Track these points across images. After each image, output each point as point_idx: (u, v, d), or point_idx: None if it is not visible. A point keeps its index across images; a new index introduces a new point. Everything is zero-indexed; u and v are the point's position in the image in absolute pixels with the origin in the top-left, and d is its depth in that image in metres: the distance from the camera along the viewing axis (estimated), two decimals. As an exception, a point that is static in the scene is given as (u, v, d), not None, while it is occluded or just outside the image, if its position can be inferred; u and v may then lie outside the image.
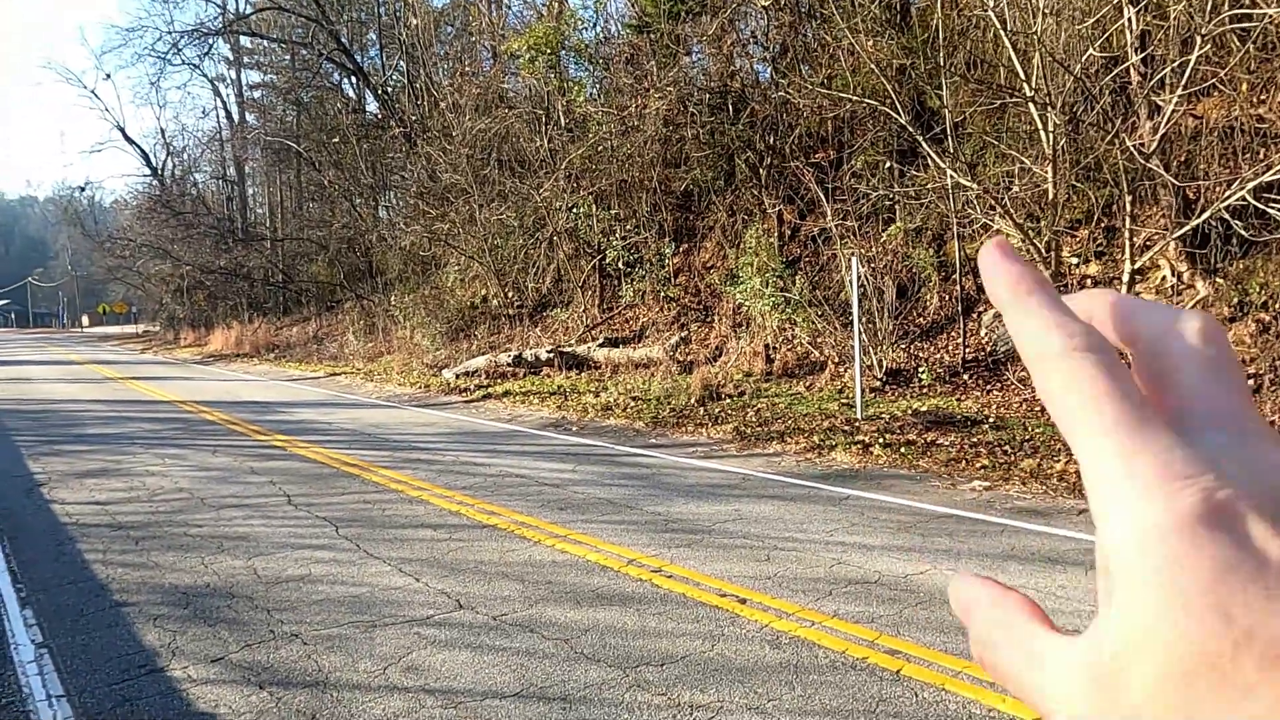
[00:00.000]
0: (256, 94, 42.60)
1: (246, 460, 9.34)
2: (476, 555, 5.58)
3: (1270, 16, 7.86)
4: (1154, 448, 0.24)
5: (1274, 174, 7.58)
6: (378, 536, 6.08)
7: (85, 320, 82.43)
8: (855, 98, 11.69)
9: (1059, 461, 7.51)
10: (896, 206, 13.31)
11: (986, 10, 9.04)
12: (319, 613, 4.62)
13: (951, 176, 10.17)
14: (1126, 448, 0.24)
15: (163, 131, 60.48)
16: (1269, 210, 7.78)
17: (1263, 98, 9.74)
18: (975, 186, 9.70)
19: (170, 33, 32.05)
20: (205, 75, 40.59)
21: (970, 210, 10.78)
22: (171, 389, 18.62)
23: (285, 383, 19.90)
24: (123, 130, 44.33)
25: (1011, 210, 9.43)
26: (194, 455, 9.77)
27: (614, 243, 17.44)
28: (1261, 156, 9.23)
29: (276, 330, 32.11)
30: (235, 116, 42.75)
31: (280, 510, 6.99)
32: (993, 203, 9.56)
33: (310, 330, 30.01)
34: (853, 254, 11.32)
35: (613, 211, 17.69)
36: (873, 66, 10.95)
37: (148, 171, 43.69)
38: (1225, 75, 8.81)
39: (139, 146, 43.35)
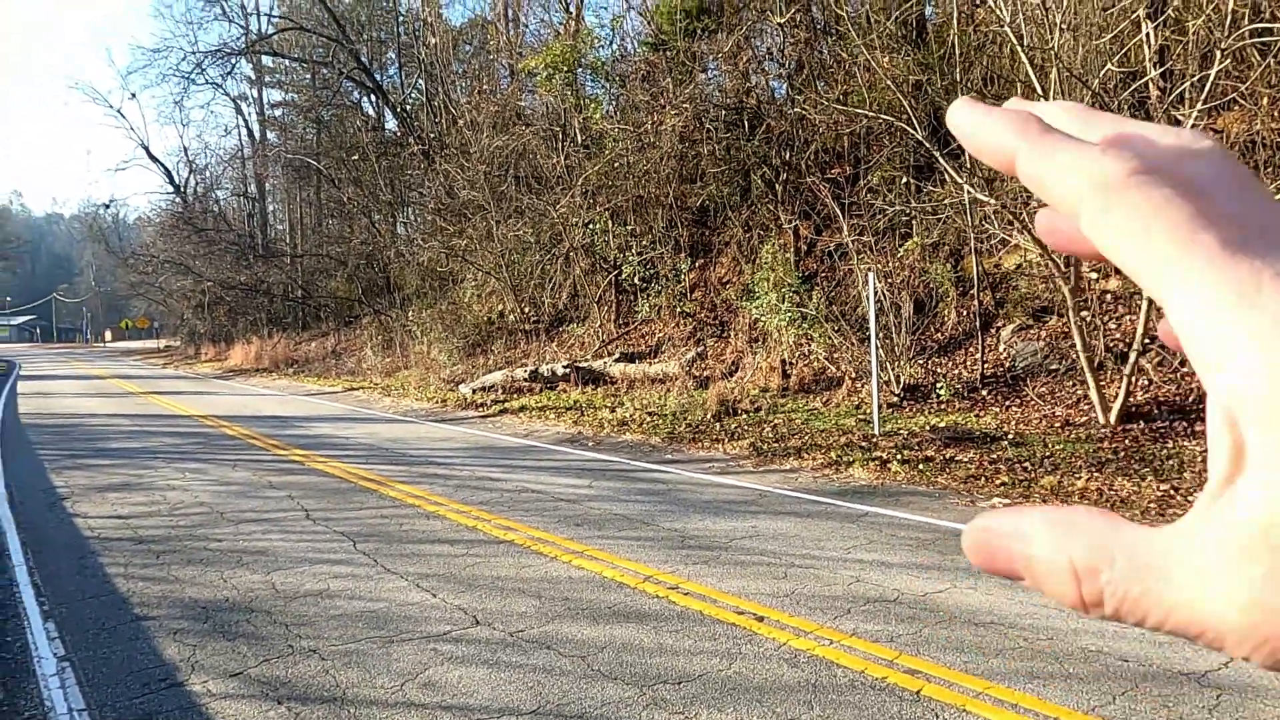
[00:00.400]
0: (278, 112, 43.25)
1: (265, 475, 9.41)
2: (493, 571, 5.59)
3: (1291, 30, 7.82)
4: (1275, 267, 0.20)
5: (1297, 188, 7.51)
6: (395, 552, 6.10)
7: (108, 335, 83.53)
8: (871, 113, 11.71)
9: (1080, 479, 7.43)
10: (913, 222, 13.29)
11: (1003, 26, 9.05)
12: (337, 628, 4.63)
13: (969, 192, 10.15)
14: (1242, 274, 0.20)
15: (185, 149, 61.50)
16: (1292, 225, 7.70)
17: (1284, 111, 9.66)
18: (993, 202, 9.67)
19: (194, 53, 32.73)
20: (228, 94, 41.33)
21: (988, 225, 10.74)
22: (192, 403, 18.81)
23: (303, 398, 20.06)
24: (147, 149, 45.09)
25: (1030, 225, 9.38)
26: (214, 470, 9.86)
27: (630, 258, 17.50)
28: (1284, 170, 9.15)
29: (295, 345, 32.41)
30: (257, 134, 43.43)
31: (299, 525, 7.03)
32: (1010, 218, 9.52)
33: (328, 345, 30.27)
34: (869, 269, 11.29)
35: (629, 227, 17.77)
36: (888, 82, 10.98)
37: (171, 189, 44.44)
38: (1246, 89, 8.76)
39: (162, 164, 44.13)
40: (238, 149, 44.93)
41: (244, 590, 5.33)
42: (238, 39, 35.43)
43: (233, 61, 33.14)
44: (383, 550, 6.14)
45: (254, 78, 41.72)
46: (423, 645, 4.36)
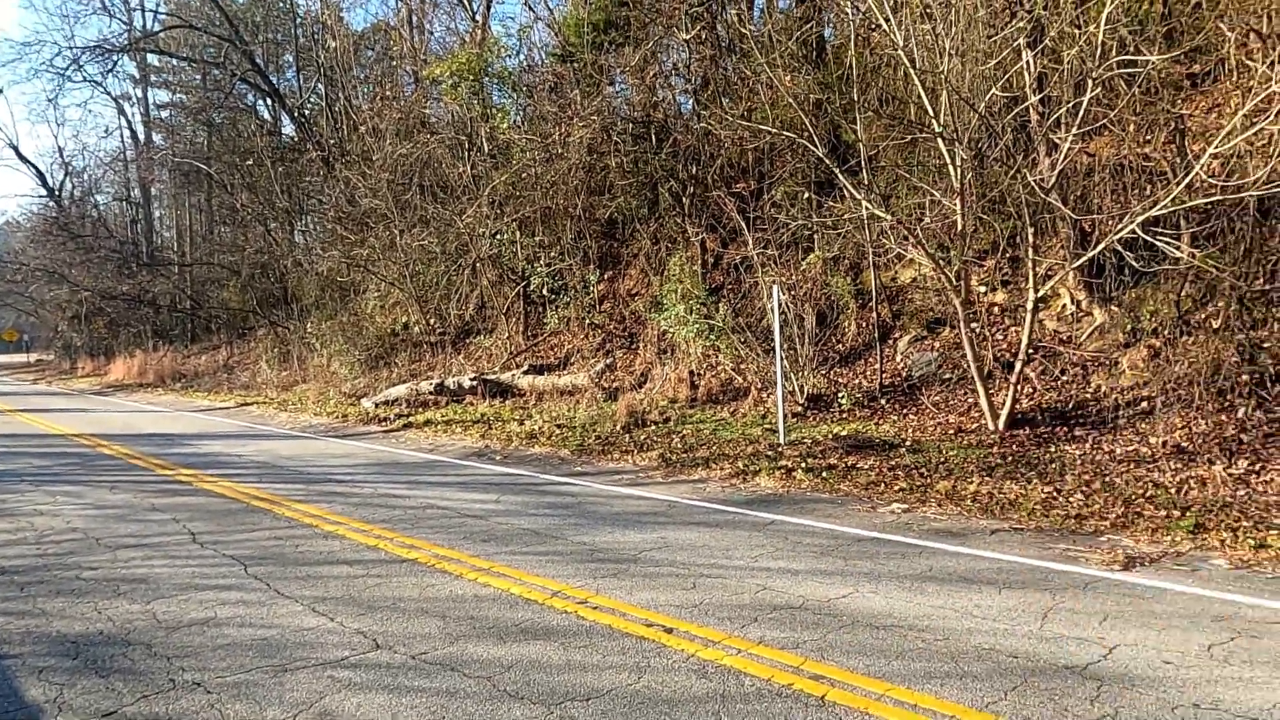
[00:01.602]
0: (164, 114, 41.08)
1: (148, 497, 8.83)
2: (395, 592, 5.39)
3: (1153, 63, 8.44)
4: None
5: (1160, 209, 8.09)
6: (290, 574, 5.81)
7: (-30, 349, 77.04)
8: (774, 130, 12.01)
9: (972, 483, 7.76)
10: (815, 236, 13.68)
11: (897, 50, 9.43)
12: (224, 658, 4.36)
13: (866, 208, 10.52)
14: None
15: (61, 150, 57.55)
16: (1156, 243, 8.29)
17: (1148, 138, 10.42)
18: (889, 218, 10.05)
19: (71, 48, 30.66)
20: (108, 93, 38.98)
21: (885, 240, 11.15)
22: (66, 421, 17.53)
23: (193, 414, 19.00)
24: (16, 148, 42.08)
25: (923, 240, 9.79)
26: (89, 492, 9.19)
27: (538, 269, 17.36)
28: (1148, 192, 9.86)
29: (184, 359, 30.73)
30: (141, 136, 41.05)
31: (184, 549, 6.61)
32: (906, 233, 9.92)
33: (220, 359, 28.82)
34: (774, 282, 11.55)
35: (537, 238, 17.64)
36: (790, 100, 11.28)
37: (44, 192, 41.47)
38: (1115, 116, 9.39)
39: (34, 165, 41.25)
40: (119, 151, 42.38)
41: (120, 622, 4.96)
42: (120, 35, 33.49)
43: (114, 59, 31.25)
44: (276, 574, 5.84)
45: (138, 76, 39.49)
46: (318, 673, 4.15)
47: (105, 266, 34.52)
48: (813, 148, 10.50)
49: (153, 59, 37.65)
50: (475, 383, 15.77)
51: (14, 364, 52.29)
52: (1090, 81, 8.48)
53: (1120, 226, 8.36)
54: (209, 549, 6.58)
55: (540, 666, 4.14)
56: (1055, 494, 7.26)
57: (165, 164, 36.69)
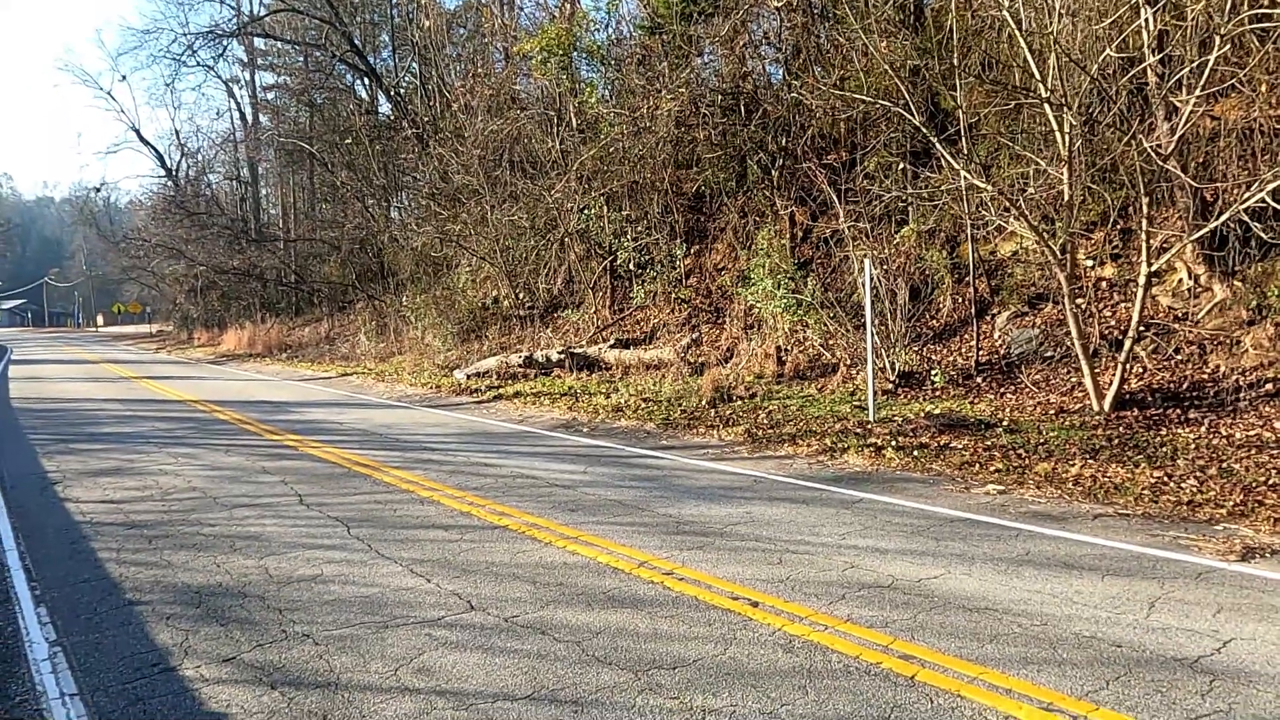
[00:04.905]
0: (270, 95, 42.88)
1: (259, 460, 9.37)
2: (488, 556, 5.58)
3: (1290, 16, 7.78)
4: None
5: (1294, 175, 7.49)
6: (389, 537, 6.08)
7: (100, 320, 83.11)
8: (868, 99, 11.64)
9: (1074, 465, 7.44)
10: (910, 208, 13.24)
11: (1001, 10, 8.98)
12: (330, 613, 4.61)
13: (965, 178, 10.11)
14: None
15: (177, 133, 60.91)
16: (1289, 212, 7.69)
17: (1282, 98, 9.62)
18: (989, 188, 9.63)
19: (185, 34, 32.28)
20: (219, 77, 40.97)
21: (984, 212, 10.70)
22: (185, 388, 18.73)
23: (297, 382, 19.99)
24: (138, 131, 44.70)
25: (1026, 212, 9.35)
26: (207, 454, 9.82)
27: (625, 244, 17.43)
28: (1281, 158, 9.13)
29: (289, 330, 32.29)
30: (249, 117, 43.04)
31: (292, 510, 7.00)
32: (1007, 204, 9.49)
33: (322, 330, 30.15)
34: (865, 256, 11.26)
35: (624, 212, 17.69)
36: (886, 67, 10.90)
37: (162, 172, 44.11)
38: (1245, 76, 8.72)
39: (154, 148, 43.75)
40: (230, 132, 44.60)
41: (237, 575, 5.31)
42: (229, 20, 35.07)
43: (224, 43, 32.76)
44: (377, 535, 6.12)
45: (246, 60, 41.33)
46: (417, 630, 4.34)
47: (218, 242, 36.53)
48: (909, 116, 10.13)
49: (259, 43, 39.31)
50: (563, 356, 16.02)
51: (138, 334, 56.08)
52: (1217, 38, 7.87)
53: (1248, 195, 7.78)
54: (314, 510, 6.95)
55: (627, 634, 4.22)
56: (1166, 479, 6.88)
57: (271, 144, 38.43)
